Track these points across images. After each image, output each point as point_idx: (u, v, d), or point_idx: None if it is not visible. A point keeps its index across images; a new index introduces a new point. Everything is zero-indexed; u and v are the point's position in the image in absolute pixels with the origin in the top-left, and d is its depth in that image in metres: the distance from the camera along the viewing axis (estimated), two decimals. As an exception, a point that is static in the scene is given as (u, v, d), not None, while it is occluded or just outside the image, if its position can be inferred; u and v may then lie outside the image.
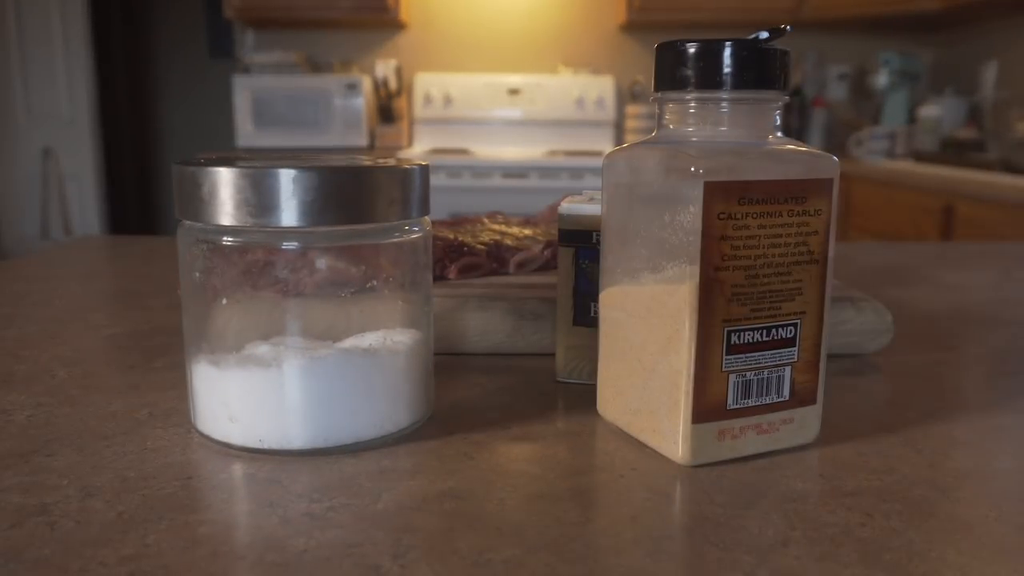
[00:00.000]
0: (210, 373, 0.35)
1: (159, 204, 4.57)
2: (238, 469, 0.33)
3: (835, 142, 2.90)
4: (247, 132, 2.81)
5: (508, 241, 0.58)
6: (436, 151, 2.80)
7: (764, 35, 0.33)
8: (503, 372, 0.46)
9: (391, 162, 0.36)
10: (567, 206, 0.43)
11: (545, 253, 0.58)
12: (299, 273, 0.34)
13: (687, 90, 0.34)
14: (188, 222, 0.34)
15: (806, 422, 0.36)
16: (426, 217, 0.37)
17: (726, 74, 0.33)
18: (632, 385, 0.36)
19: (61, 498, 0.30)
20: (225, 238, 0.33)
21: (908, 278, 0.74)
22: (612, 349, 0.37)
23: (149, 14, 4.39)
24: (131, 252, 0.85)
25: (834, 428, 0.38)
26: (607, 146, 2.91)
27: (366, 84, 2.85)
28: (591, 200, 0.43)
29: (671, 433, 0.34)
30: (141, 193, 4.53)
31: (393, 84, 2.93)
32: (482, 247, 0.56)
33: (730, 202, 0.32)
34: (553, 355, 0.46)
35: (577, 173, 2.54)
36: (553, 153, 2.75)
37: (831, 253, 0.35)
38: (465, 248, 0.55)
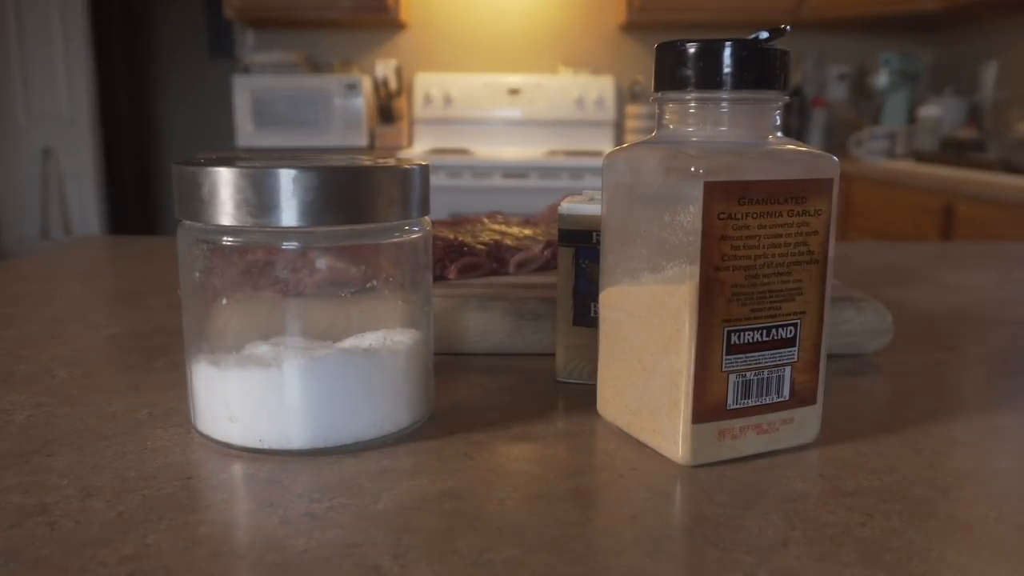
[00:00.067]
0: (210, 373, 0.35)
1: (159, 204, 4.57)
2: (238, 469, 0.33)
3: (835, 142, 2.90)
4: (247, 132, 2.81)
5: (508, 241, 0.58)
6: (436, 151, 2.80)
7: (764, 35, 0.33)
8: (503, 372, 0.46)
9: (391, 162, 0.36)
10: (567, 206, 0.43)
11: (545, 253, 0.58)
12: (299, 273, 0.34)
13: (687, 90, 0.34)
14: (188, 222, 0.34)
15: (806, 422, 0.36)
16: (426, 217, 0.37)
17: (726, 74, 0.33)
18: (632, 385, 0.36)
19: (61, 498, 0.30)
20: (225, 238, 0.33)
21: (908, 278, 0.74)
22: (612, 349, 0.37)
23: (149, 14, 4.39)
24: (131, 252, 0.85)
25: (834, 428, 0.38)
26: (607, 146, 2.91)
27: (366, 84, 2.85)
28: (591, 200, 0.43)
29: (671, 433, 0.34)
30: (141, 193, 4.53)
31: (393, 84, 2.93)
32: (482, 247, 0.56)
33: (730, 202, 0.32)
34: (553, 355, 0.46)
35: (577, 173, 2.54)
36: (553, 153, 2.75)
37: (831, 253, 0.35)
38: (465, 248, 0.55)
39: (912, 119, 2.72)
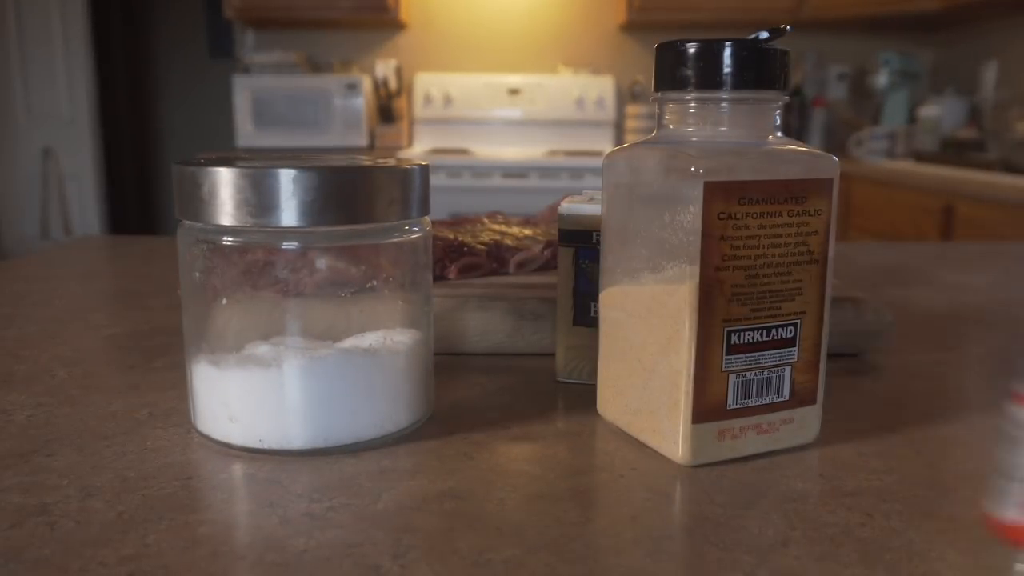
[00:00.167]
0: (210, 373, 0.35)
1: (159, 204, 4.57)
2: (238, 469, 0.33)
3: (835, 142, 2.90)
4: (247, 132, 2.81)
5: (508, 241, 0.58)
6: (436, 151, 2.80)
7: (764, 35, 0.33)
8: (503, 372, 0.46)
9: (391, 162, 0.36)
10: (567, 206, 0.43)
11: (545, 253, 0.58)
12: (299, 273, 0.34)
13: (687, 90, 0.34)
14: (188, 222, 0.34)
15: (806, 422, 0.36)
16: (426, 217, 0.37)
17: (726, 74, 0.33)
18: (632, 385, 0.36)
19: (61, 498, 0.30)
20: (225, 238, 0.33)
21: (908, 278, 0.74)
22: (612, 349, 0.37)
23: (149, 14, 4.39)
24: (131, 252, 0.85)
25: (834, 428, 0.38)
26: (607, 146, 2.91)
27: (366, 84, 2.85)
28: (591, 200, 0.43)
29: (671, 433, 0.34)
30: (141, 193, 4.53)
31: (393, 84, 2.93)
32: (482, 247, 0.56)
33: (730, 202, 0.32)
34: (553, 355, 0.46)
35: (577, 173, 2.54)
36: (553, 153, 2.75)
37: (831, 253, 0.35)
38: (465, 248, 0.55)
39: (912, 119, 2.72)
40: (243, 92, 2.78)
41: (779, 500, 0.31)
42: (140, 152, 4.50)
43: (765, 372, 0.34)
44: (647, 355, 0.35)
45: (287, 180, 0.32)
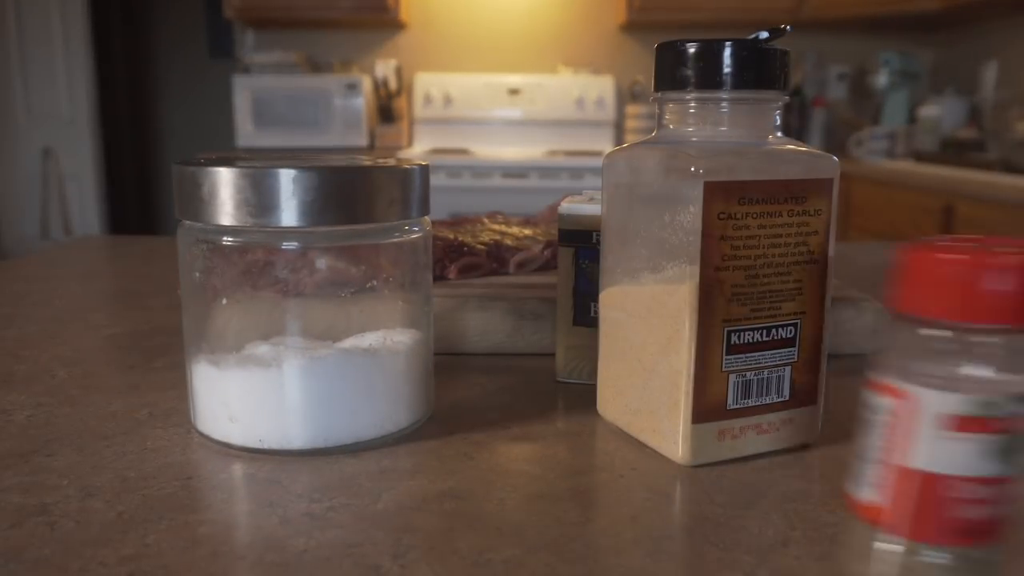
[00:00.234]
0: (210, 373, 0.35)
1: (159, 204, 4.57)
2: (238, 469, 0.33)
3: (835, 142, 2.90)
4: (247, 132, 2.81)
5: (508, 241, 0.58)
6: (436, 151, 2.80)
7: (764, 35, 0.33)
8: (503, 372, 0.46)
9: (391, 162, 0.36)
10: (567, 206, 0.43)
11: (545, 253, 0.58)
12: (299, 273, 0.34)
13: (687, 90, 0.34)
14: (188, 222, 0.34)
15: (806, 422, 0.36)
16: (426, 217, 0.37)
17: (726, 74, 0.33)
18: (632, 385, 0.36)
19: (61, 498, 0.30)
20: (225, 238, 0.33)
21: (908, 278, 0.74)
22: (612, 349, 0.37)
23: (149, 14, 4.39)
24: (131, 252, 0.85)
25: (834, 428, 0.38)
26: (607, 146, 2.91)
27: (366, 84, 2.85)
28: (591, 200, 0.43)
29: (671, 433, 0.34)
30: (141, 193, 4.53)
31: (393, 84, 2.93)
32: (482, 247, 0.56)
33: (730, 202, 0.32)
34: (553, 355, 0.46)
35: (577, 173, 2.54)
36: (553, 153, 2.75)
37: (831, 253, 0.35)
38: (465, 248, 0.55)
39: (912, 119, 2.72)
40: (243, 92, 2.78)
41: (779, 500, 0.31)
42: (140, 152, 4.50)
43: (765, 372, 0.34)
44: (647, 355, 0.35)
45: (287, 180, 0.32)
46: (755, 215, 0.32)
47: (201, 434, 0.36)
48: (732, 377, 0.33)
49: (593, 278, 0.42)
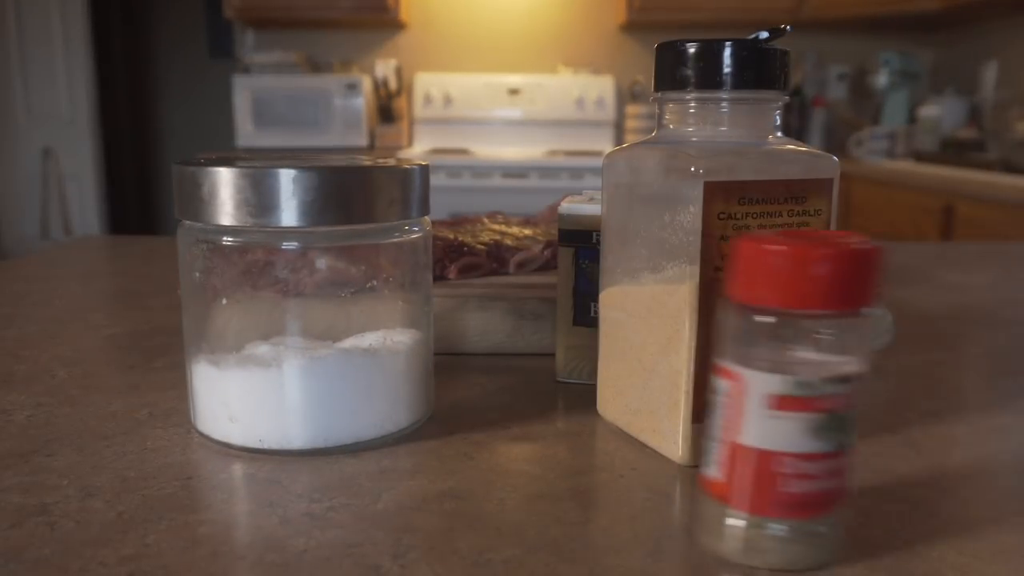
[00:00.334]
0: (210, 373, 0.35)
1: (159, 204, 4.57)
2: (238, 469, 0.33)
3: (835, 142, 2.90)
4: (247, 132, 2.81)
5: (508, 241, 0.58)
6: (436, 151, 2.80)
7: (764, 35, 0.33)
8: (503, 372, 0.46)
9: (391, 162, 0.36)
10: (567, 206, 0.43)
11: (545, 253, 0.58)
12: (299, 273, 0.34)
13: (687, 90, 0.34)
14: (188, 222, 0.34)
15: (806, 422, 0.35)
16: (426, 217, 0.37)
17: (726, 74, 0.33)
18: (632, 385, 0.36)
19: (61, 498, 0.30)
20: (225, 238, 0.33)
21: (908, 278, 0.74)
22: (612, 349, 0.37)
23: (149, 14, 4.39)
24: (131, 252, 0.85)
25: (834, 428, 0.38)
26: (607, 146, 2.91)
27: (366, 84, 2.85)
28: (591, 200, 0.43)
29: (671, 433, 0.34)
30: (141, 193, 4.53)
31: (393, 84, 2.93)
32: (482, 247, 0.56)
33: (730, 202, 0.32)
34: (553, 355, 0.46)
35: (577, 173, 2.54)
36: (553, 153, 2.75)
37: (831, 253, 0.34)
38: (465, 248, 0.55)
39: (912, 119, 2.72)
40: (243, 92, 2.78)
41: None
42: (140, 152, 4.50)
43: (765, 372, 0.34)
44: (647, 355, 0.35)
45: (287, 180, 0.32)
46: (755, 215, 0.32)
47: (201, 434, 0.36)
48: (732, 377, 0.33)
49: (593, 278, 0.42)
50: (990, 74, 2.55)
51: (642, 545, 0.28)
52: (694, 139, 0.34)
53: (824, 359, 0.25)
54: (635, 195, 0.35)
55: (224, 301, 0.34)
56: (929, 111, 2.58)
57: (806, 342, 0.25)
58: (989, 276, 0.76)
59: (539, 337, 0.48)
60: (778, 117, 0.34)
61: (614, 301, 0.37)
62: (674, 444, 0.34)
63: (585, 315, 0.43)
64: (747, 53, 0.33)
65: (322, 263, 0.34)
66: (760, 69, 0.33)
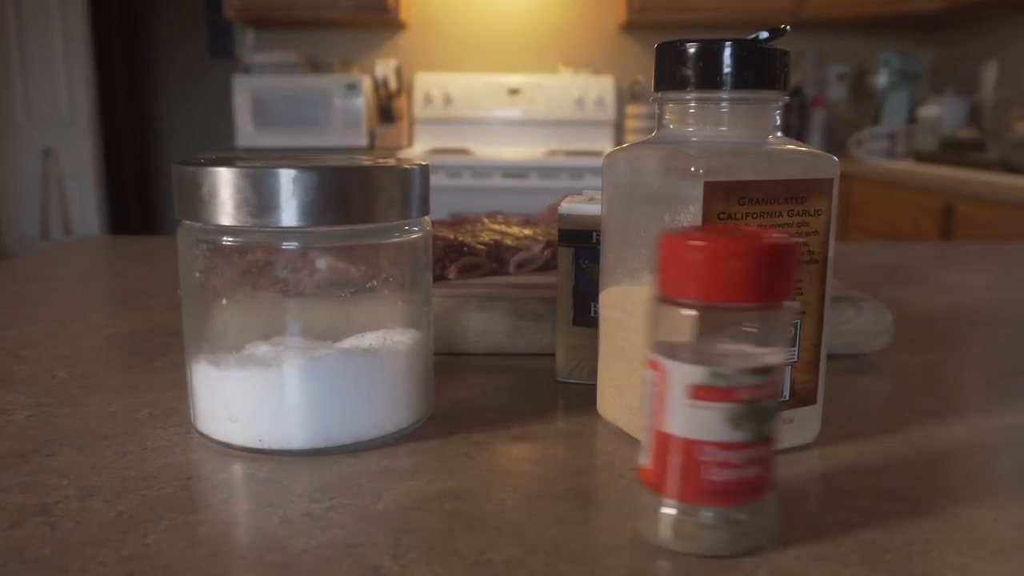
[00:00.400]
0: (210, 373, 0.35)
1: (159, 204, 4.57)
2: (238, 469, 0.33)
3: (835, 142, 2.90)
4: (247, 132, 2.81)
5: (508, 241, 0.58)
6: (436, 151, 2.80)
7: (764, 35, 0.33)
8: (503, 372, 0.46)
9: (391, 162, 0.36)
10: (567, 206, 0.43)
11: (545, 253, 0.58)
12: (299, 273, 0.34)
13: (687, 90, 0.34)
14: (188, 222, 0.34)
15: (806, 422, 0.36)
16: (426, 217, 0.37)
17: (726, 74, 0.33)
18: (632, 385, 0.36)
19: (61, 498, 0.30)
20: (225, 238, 0.33)
21: (908, 278, 0.74)
22: (612, 349, 0.37)
23: (149, 14, 4.39)
24: (131, 252, 0.85)
25: (834, 428, 0.38)
26: (607, 146, 2.91)
27: (366, 84, 2.85)
28: (591, 200, 0.43)
29: (671, 433, 0.34)
30: (141, 193, 4.53)
31: (393, 84, 2.93)
32: (482, 247, 0.56)
33: (730, 202, 0.32)
34: (553, 355, 0.46)
35: (577, 173, 2.54)
36: (553, 153, 2.75)
37: (831, 253, 0.35)
38: (465, 248, 0.55)
39: (912, 119, 2.72)
40: (243, 92, 2.78)
41: (779, 500, 0.31)
42: (140, 152, 4.50)
43: (765, 372, 0.34)
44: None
45: (287, 180, 0.32)
46: (755, 215, 0.32)
47: (201, 434, 0.36)
48: (732, 377, 0.33)
49: (593, 278, 0.42)
50: (990, 74, 2.55)
51: (642, 545, 0.28)
52: (694, 139, 0.34)
53: (744, 351, 0.26)
54: (635, 195, 0.35)
55: (224, 301, 0.34)
56: (929, 111, 2.58)
57: (728, 335, 0.26)
58: (989, 276, 0.76)
59: (539, 337, 0.48)
60: (778, 117, 0.34)
61: (614, 301, 0.37)
62: (674, 444, 0.34)
63: (585, 315, 0.43)
64: (747, 53, 0.33)
65: (322, 263, 0.34)
66: (760, 69, 0.33)
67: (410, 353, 0.36)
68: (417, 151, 2.85)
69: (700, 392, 0.26)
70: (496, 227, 0.62)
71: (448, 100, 2.96)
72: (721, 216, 0.31)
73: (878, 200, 2.23)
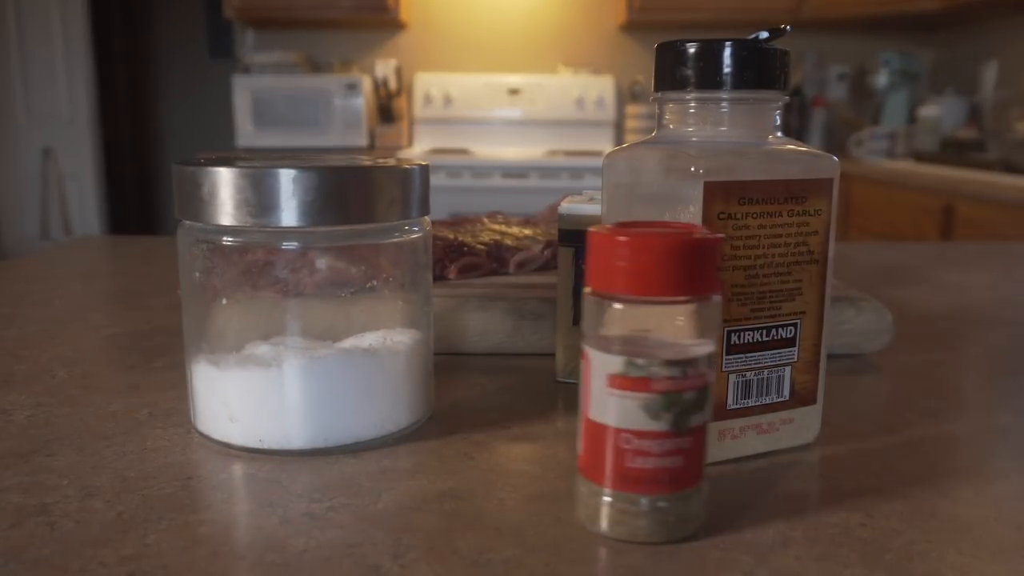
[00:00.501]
0: (210, 373, 0.35)
1: (159, 204, 4.57)
2: (238, 469, 0.33)
3: (835, 142, 2.90)
4: (247, 132, 2.81)
5: (508, 241, 0.58)
6: (436, 151, 2.80)
7: (764, 35, 0.33)
8: (503, 372, 0.46)
9: (391, 162, 0.36)
10: (567, 206, 0.43)
11: (545, 253, 0.58)
12: (299, 273, 0.34)
13: (687, 90, 0.34)
14: (188, 222, 0.34)
15: (806, 422, 0.36)
16: (426, 217, 0.37)
17: (726, 74, 0.33)
18: (632, 385, 0.36)
19: (61, 498, 0.30)
20: (225, 238, 0.33)
21: (908, 278, 0.74)
22: (612, 349, 0.37)
23: (149, 14, 4.39)
24: (131, 252, 0.85)
25: (834, 428, 0.38)
26: (607, 146, 2.91)
27: (366, 84, 2.85)
28: (591, 200, 0.43)
29: (671, 433, 0.34)
30: (141, 193, 4.53)
31: (393, 84, 2.93)
32: (482, 247, 0.56)
33: (730, 202, 0.32)
34: (553, 355, 0.46)
35: (577, 173, 2.54)
36: (553, 153, 2.75)
37: (831, 253, 0.35)
38: (465, 248, 0.55)
39: (912, 119, 2.72)
40: (243, 92, 2.78)
41: (779, 500, 0.31)
42: (140, 152, 4.50)
43: (765, 372, 0.34)
44: (647, 355, 0.35)
45: (287, 180, 0.32)
46: (755, 215, 0.32)
47: (201, 434, 0.36)
48: (732, 377, 0.33)
49: (593, 278, 0.42)
50: (990, 74, 2.55)
51: (642, 545, 0.28)
52: (694, 139, 0.34)
53: (672, 343, 0.27)
54: (635, 195, 0.35)
55: (224, 301, 0.34)
56: (929, 111, 2.58)
57: (652, 327, 0.27)
58: (989, 276, 0.76)
59: (539, 337, 0.48)
60: (778, 117, 0.34)
61: (614, 301, 0.37)
62: (674, 444, 0.34)
63: (585, 315, 0.43)
64: (747, 53, 0.33)
65: (322, 263, 0.34)
66: (760, 69, 0.33)
67: (410, 353, 0.36)
68: (417, 151, 2.85)
69: (617, 381, 0.27)
70: (496, 227, 0.62)
71: (448, 100, 2.96)
72: (721, 216, 0.31)
73: (878, 200, 2.23)
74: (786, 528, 0.29)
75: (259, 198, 0.32)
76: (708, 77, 0.33)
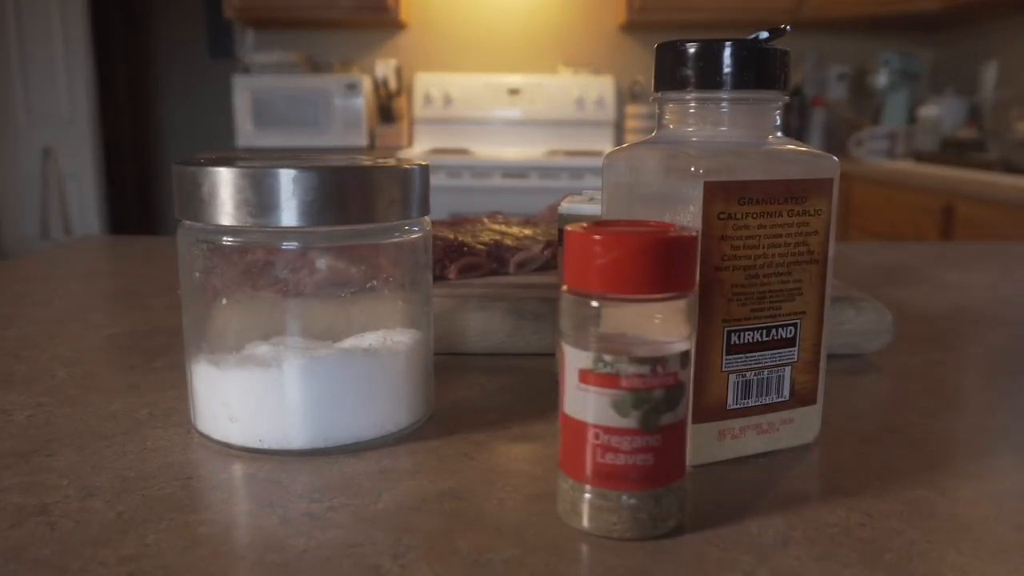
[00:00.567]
0: (210, 373, 0.35)
1: (159, 204, 4.57)
2: (238, 469, 0.33)
3: (835, 142, 2.90)
4: (247, 132, 2.81)
5: (508, 241, 0.58)
6: (436, 151, 2.80)
7: (764, 35, 0.33)
8: (503, 372, 0.46)
9: (391, 162, 0.36)
10: (567, 206, 0.43)
11: (545, 253, 0.58)
12: (299, 273, 0.34)
13: (687, 90, 0.34)
14: (188, 222, 0.34)
15: (806, 422, 0.36)
16: (426, 217, 0.37)
17: (726, 74, 0.33)
18: (632, 385, 0.36)
19: (61, 498, 0.30)
20: (225, 238, 0.33)
21: (908, 278, 0.74)
22: (612, 349, 0.37)
23: (149, 14, 4.39)
24: (131, 252, 0.85)
25: (834, 428, 0.38)
26: (607, 146, 2.91)
27: (366, 84, 2.85)
28: (591, 200, 0.43)
29: (671, 433, 0.34)
30: (141, 193, 4.53)
31: (393, 84, 2.93)
32: (482, 247, 0.56)
33: (730, 202, 0.32)
34: (553, 355, 0.46)
35: (577, 173, 2.54)
36: (553, 153, 2.75)
37: (831, 253, 0.34)
38: (465, 248, 0.55)
39: (912, 119, 2.72)
40: (243, 92, 2.78)
41: (779, 500, 0.31)
42: (140, 152, 4.50)
43: (765, 372, 0.34)
44: (647, 355, 0.35)
45: (287, 180, 0.32)
46: (755, 215, 0.32)
47: (201, 434, 0.36)
48: (732, 377, 0.33)
49: (593, 278, 0.42)
50: (990, 74, 2.55)
51: (642, 544, 0.28)
52: (694, 139, 0.34)
53: (643, 340, 0.27)
54: (635, 195, 0.35)
55: (224, 301, 0.34)
56: (929, 111, 2.58)
57: (629, 325, 0.27)
58: (989, 276, 0.76)
59: (539, 337, 0.48)
60: (778, 117, 0.34)
61: (614, 301, 0.37)
62: (674, 444, 0.34)
63: (585, 315, 0.43)
64: (747, 53, 0.33)
65: (322, 263, 0.34)
66: (760, 69, 0.33)
67: (410, 353, 0.36)
68: (417, 151, 2.85)
69: (587, 376, 0.27)
70: (496, 227, 0.62)
71: (448, 100, 2.96)
72: (721, 216, 0.31)
73: (878, 200, 2.23)
74: (786, 528, 0.29)
75: (259, 198, 0.32)
76: (708, 77, 0.33)
